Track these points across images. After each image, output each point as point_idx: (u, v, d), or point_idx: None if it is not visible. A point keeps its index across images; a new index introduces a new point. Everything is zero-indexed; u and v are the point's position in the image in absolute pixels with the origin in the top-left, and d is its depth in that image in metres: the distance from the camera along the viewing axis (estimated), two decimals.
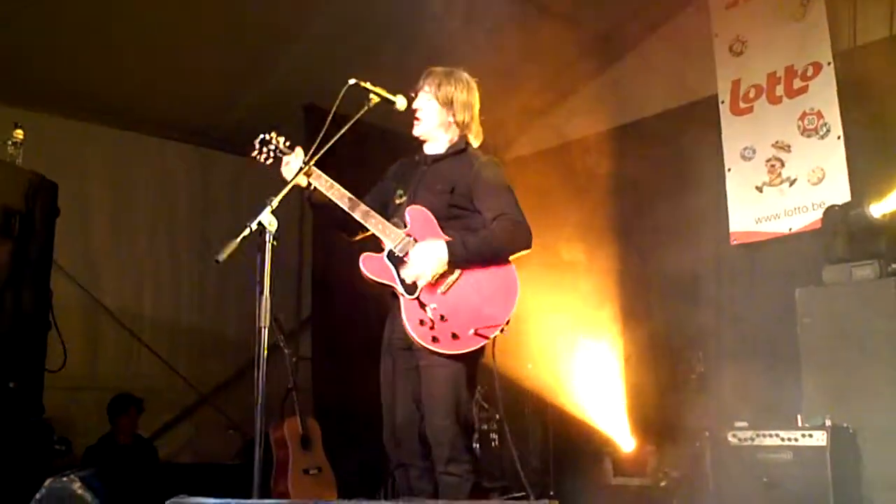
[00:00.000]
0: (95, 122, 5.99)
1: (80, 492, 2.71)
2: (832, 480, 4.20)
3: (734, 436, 4.59)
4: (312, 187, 3.25)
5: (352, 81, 3.16)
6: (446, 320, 3.02)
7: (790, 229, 5.50)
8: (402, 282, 3.10)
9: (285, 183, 3.07)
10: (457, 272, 3.09)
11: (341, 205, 3.21)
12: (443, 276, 3.08)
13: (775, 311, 5.05)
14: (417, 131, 3.34)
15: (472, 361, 3.13)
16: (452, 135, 3.34)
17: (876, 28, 5.31)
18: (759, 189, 5.70)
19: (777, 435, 4.43)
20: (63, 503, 2.71)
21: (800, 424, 4.41)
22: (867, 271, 4.67)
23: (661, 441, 5.36)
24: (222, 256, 2.74)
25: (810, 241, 5.25)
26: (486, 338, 3.04)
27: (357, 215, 3.19)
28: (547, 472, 5.60)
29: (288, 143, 3.31)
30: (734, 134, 5.87)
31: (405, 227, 3.19)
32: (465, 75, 3.36)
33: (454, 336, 3.01)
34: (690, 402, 5.31)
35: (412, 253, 3.09)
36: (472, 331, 3.02)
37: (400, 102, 3.27)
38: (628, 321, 5.72)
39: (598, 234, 5.74)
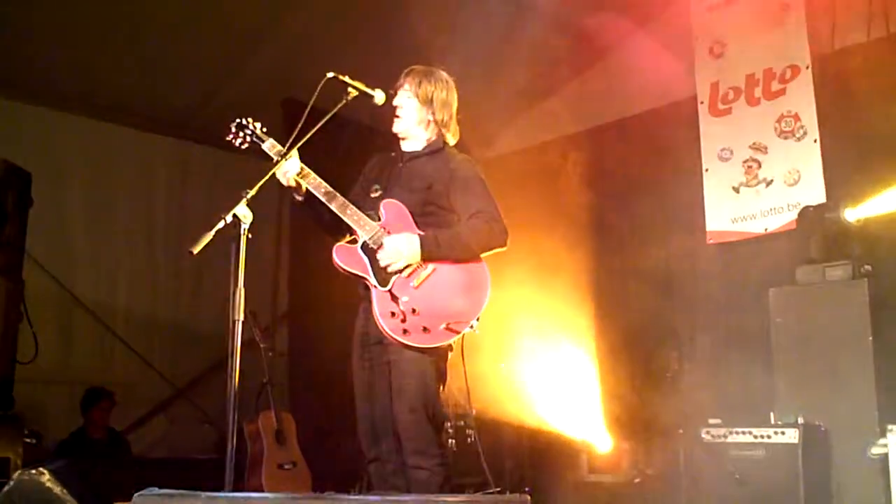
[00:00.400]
0: (73, 113, 5.93)
1: (48, 485, 2.68)
2: (803, 477, 4.25)
3: (708, 433, 4.63)
4: (298, 185, 3.24)
5: (330, 75, 3.17)
6: (418, 314, 3.05)
7: (766, 230, 5.55)
8: (375, 274, 3.12)
9: (261, 176, 3.06)
10: (430, 267, 3.12)
11: (319, 196, 3.22)
12: (416, 270, 3.11)
13: (749, 310, 5.09)
14: (397, 128, 3.36)
15: (440, 356, 3.15)
16: (431, 133, 3.36)
17: (854, 33, 5.36)
18: (736, 189, 5.75)
19: (750, 432, 4.47)
20: (32, 496, 2.68)
21: (772, 422, 4.46)
22: (840, 272, 4.72)
23: (635, 438, 5.39)
24: (196, 248, 2.74)
25: (785, 242, 5.30)
26: (457, 333, 3.06)
27: (333, 206, 3.20)
28: (522, 469, 5.62)
29: (264, 130, 3.31)
30: (712, 135, 5.91)
31: (380, 219, 3.21)
32: (445, 75, 3.39)
33: (425, 329, 3.03)
34: (665, 400, 5.34)
35: (386, 241, 3.11)
36: (443, 325, 3.04)
37: (378, 96, 3.29)
38: (604, 319, 5.74)
39: (576, 233, 5.75)
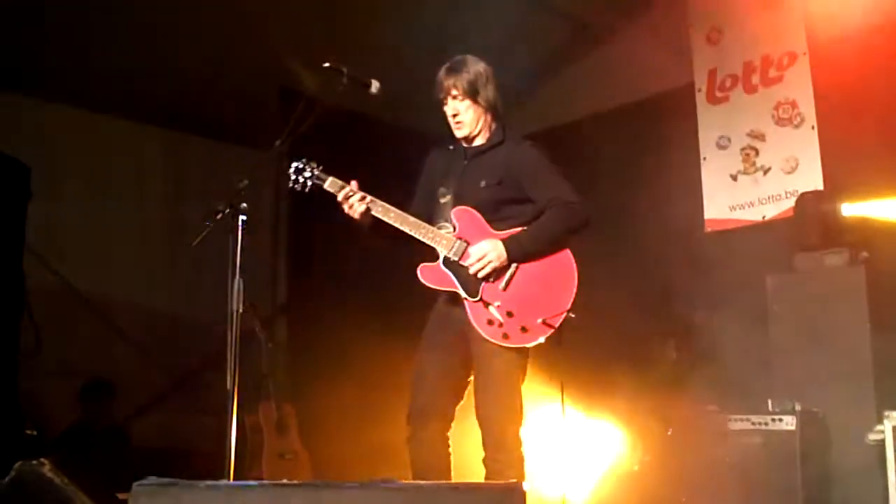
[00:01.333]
0: (68, 105, 5.91)
1: (49, 475, 2.69)
2: (801, 464, 4.27)
3: (705, 420, 4.66)
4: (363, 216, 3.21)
5: (326, 64, 3.15)
6: (513, 316, 3.05)
7: (763, 217, 5.57)
8: (463, 285, 3.11)
9: (258, 166, 3.07)
10: (514, 266, 3.11)
11: (389, 221, 3.19)
12: (501, 272, 3.10)
13: (747, 297, 5.10)
14: (461, 134, 3.30)
15: (526, 352, 3.15)
16: (489, 124, 3.32)
17: (851, 19, 5.34)
18: (734, 177, 5.76)
19: (748, 419, 4.50)
20: (32, 486, 2.70)
21: (770, 409, 4.48)
22: (837, 259, 4.74)
23: (633, 426, 5.41)
24: (196, 241, 2.76)
25: (783, 229, 5.30)
26: (554, 327, 3.06)
27: (406, 229, 3.18)
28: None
29: (321, 167, 3.27)
30: (710, 122, 5.92)
31: (454, 230, 3.19)
32: (475, 60, 3.33)
33: (523, 329, 3.04)
34: (663, 389, 5.36)
35: (472, 250, 3.10)
36: (540, 321, 3.04)
37: (374, 86, 3.27)
38: (602, 307, 5.74)
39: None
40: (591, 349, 5.82)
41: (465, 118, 3.26)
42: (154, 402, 6.12)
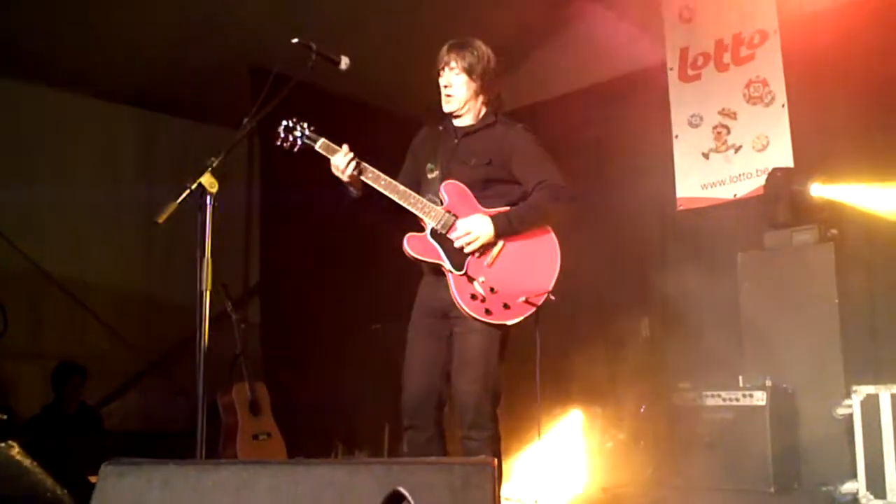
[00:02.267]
0: (37, 83, 5.81)
1: (18, 457, 2.66)
2: (771, 438, 4.35)
3: (678, 397, 4.71)
4: (353, 180, 3.15)
5: (294, 41, 3.11)
6: (496, 292, 3.05)
7: (735, 195, 5.60)
8: (449, 258, 3.11)
9: (228, 144, 3.02)
10: (500, 243, 3.11)
11: (379, 188, 3.14)
12: (487, 248, 3.09)
13: (719, 275, 5.15)
14: (449, 108, 3.27)
15: (506, 331, 3.14)
16: (481, 105, 3.29)
17: None
18: (706, 156, 5.78)
19: (719, 395, 4.56)
20: (1, 468, 2.67)
21: (741, 385, 4.54)
22: (807, 236, 4.80)
23: (607, 404, 5.46)
24: (161, 218, 2.72)
25: (754, 207, 5.35)
26: (536, 305, 3.06)
27: (395, 197, 3.14)
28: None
29: (312, 128, 3.19)
30: (682, 101, 5.94)
31: (442, 203, 3.17)
32: (481, 43, 3.29)
33: (506, 306, 3.05)
34: (637, 366, 5.41)
35: (459, 224, 3.09)
36: (522, 298, 3.05)
37: (344, 62, 3.23)
38: (574, 285, 5.76)
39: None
40: (567, 327, 5.89)
41: (456, 92, 3.23)
42: (127, 384, 6.08)
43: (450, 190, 3.18)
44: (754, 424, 4.39)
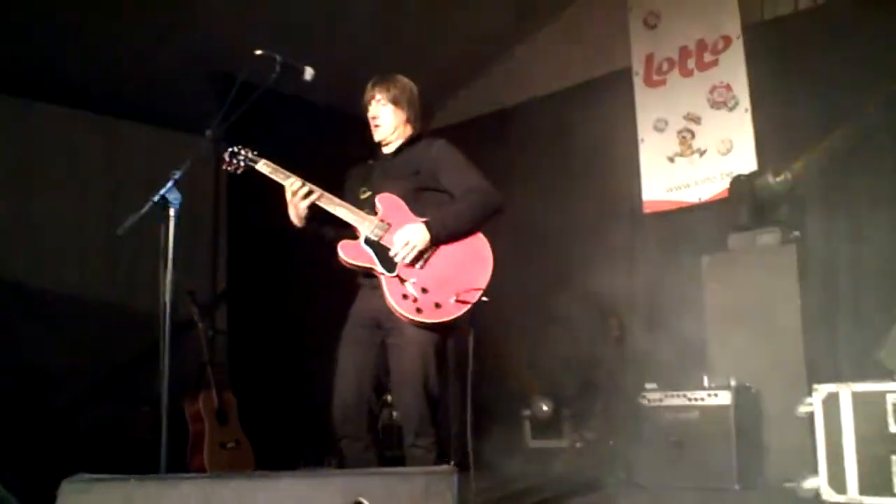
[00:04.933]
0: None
1: None
2: (736, 437, 4.41)
3: (644, 398, 4.77)
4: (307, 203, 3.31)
5: (258, 52, 3.15)
6: (428, 292, 3.15)
7: (700, 199, 5.68)
8: (382, 263, 3.22)
9: (195, 153, 3.06)
10: (436, 247, 3.22)
11: (324, 205, 3.29)
12: (422, 253, 3.20)
13: (685, 277, 5.22)
14: (379, 136, 3.48)
15: (441, 339, 3.24)
16: (406, 131, 3.49)
17: (783, 4, 5.46)
18: (671, 160, 5.86)
19: (684, 395, 4.62)
20: None
21: (705, 385, 4.60)
22: (769, 238, 4.87)
23: (577, 405, 5.50)
24: (123, 230, 2.75)
25: (718, 210, 5.42)
26: (468, 303, 3.14)
27: (331, 207, 3.30)
28: (466, 437, 5.68)
29: (256, 152, 3.38)
30: (648, 105, 6.01)
31: (376, 214, 3.31)
32: (403, 77, 3.53)
33: (437, 305, 3.13)
34: (606, 367, 5.47)
35: (396, 237, 3.20)
36: (453, 298, 3.13)
37: (308, 73, 3.29)
38: (547, 288, 5.82)
39: (516, 203, 5.77)
40: (535, 329, 5.94)
41: (384, 122, 3.44)
42: (91, 393, 6.01)
43: (384, 201, 3.32)
44: (719, 423, 4.45)
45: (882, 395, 3.72)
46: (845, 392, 3.84)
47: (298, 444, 5.40)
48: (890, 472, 3.64)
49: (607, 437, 5.21)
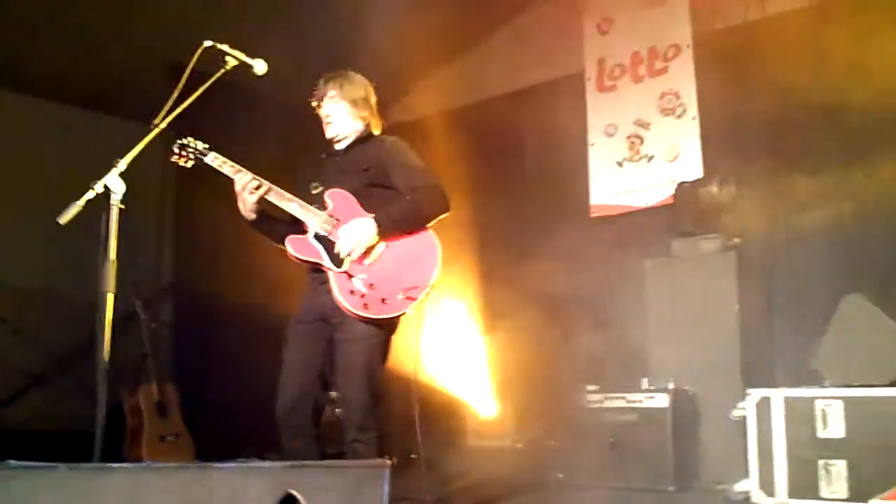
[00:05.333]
0: None
1: None
2: (672, 439, 4.51)
3: (585, 399, 4.84)
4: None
5: (207, 43, 3.14)
6: (375, 288, 3.16)
7: (646, 203, 5.78)
8: (330, 258, 3.23)
9: (136, 145, 3.03)
10: (381, 242, 3.24)
11: (274, 200, 3.28)
12: (370, 248, 3.21)
13: (628, 280, 5.31)
14: (331, 133, 3.48)
15: (386, 335, 3.26)
16: (358, 129, 3.49)
17: (733, 14, 5.56)
18: (620, 164, 5.95)
19: (624, 398, 4.70)
20: None
21: (644, 387, 4.69)
22: (711, 245, 4.98)
23: (519, 405, 5.56)
24: (64, 219, 2.72)
25: (663, 215, 5.53)
26: (415, 300, 3.17)
27: (282, 202, 3.29)
28: (412, 435, 5.70)
29: (207, 146, 3.35)
30: (598, 110, 6.10)
31: (326, 209, 3.31)
32: (356, 74, 3.54)
33: (383, 301, 3.15)
34: (548, 367, 5.52)
35: (342, 231, 3.21)
36: (400, 295, 3.15)
37: (258, 67, 3.28)
38: (492, 290, 5.86)
39: (466, 203, 5.80)
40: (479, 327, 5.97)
41: (335, 119, 3.45)
42: (32, 384, 5.91)
43: (334, 197, 3.33)
44: (656, 425, 4.55)
45: (811, 400, 3.85)
46: (777, 397, 3.96)
47: (241, 437, 5.36)
48: (817, 476, 3.77)
49: (548, 438, 5.27)
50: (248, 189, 3.27)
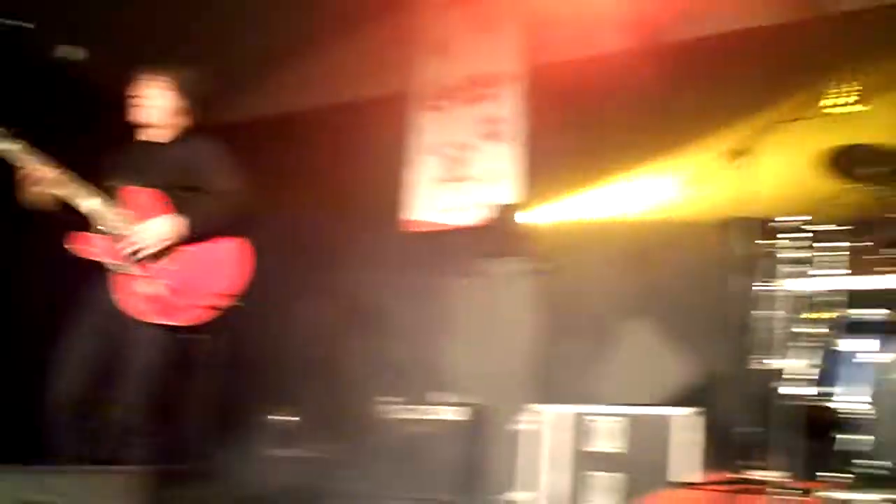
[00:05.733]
0: None
1: None
2: (458, 451, 4.71)
3: (385, 411, 4.95)
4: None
5: (6, 22, 2.99)
6: (175, 293, 3.06)
7: (460, 224, 5.93)
8: (120, 258, 3.07)
9: None
10: (179, 245, 3.14)
11: (58, 192, 3.11)
12: (170, 250, 3.10)
13: (436, 297, 5.47)
14: (144, 118, 3.34)
15: (180, 339, 3.17)
16: (178, 122, 3.39)
17: (564, 49, 5.79)
18: (439, 183, 6.09)
19: (416, 409, 4.86)
20: None
21: (435, 400, 4.88)
22: (516, 267, 5.26)
23: (318, 415, 5.55)
24: None
25: (475, 236, 5.70)
26: (217, 308, 3.09)
27: (70, 194, 3.13)
28: (209, 442, 5.56)
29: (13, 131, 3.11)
30: (423, 129, 6.21)
31: (122, 205, 3.18)
32: (187, 67, 3.46)
33: (183, 308, 3.05)
34: (348, 378, 5.57)
35: (138, 229, 3.09)
36: (201, 302, 3.07)
37: (63, 51, 3.17)
38: (304, 298, 5.82)
39: (286, 210, 5.74)
40: (280, 339, 5.89)
41: (155, 103, 3.33)
42: None
43: (132, 193, 3.23)
44: (444, 437, 4.73)
45: (580, 417, 4.17)
46: (550, 412, 4.24)
47: (11, 437, 5.04)
48: (583, 488, 4.05)
49: (343, 448, 5.30)
50: (39, 179, 3.09)
